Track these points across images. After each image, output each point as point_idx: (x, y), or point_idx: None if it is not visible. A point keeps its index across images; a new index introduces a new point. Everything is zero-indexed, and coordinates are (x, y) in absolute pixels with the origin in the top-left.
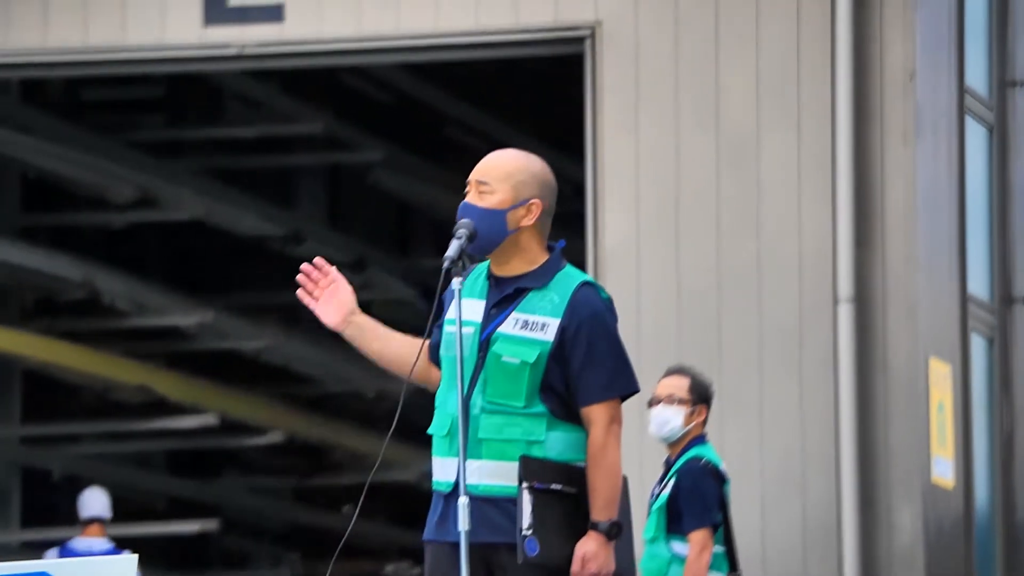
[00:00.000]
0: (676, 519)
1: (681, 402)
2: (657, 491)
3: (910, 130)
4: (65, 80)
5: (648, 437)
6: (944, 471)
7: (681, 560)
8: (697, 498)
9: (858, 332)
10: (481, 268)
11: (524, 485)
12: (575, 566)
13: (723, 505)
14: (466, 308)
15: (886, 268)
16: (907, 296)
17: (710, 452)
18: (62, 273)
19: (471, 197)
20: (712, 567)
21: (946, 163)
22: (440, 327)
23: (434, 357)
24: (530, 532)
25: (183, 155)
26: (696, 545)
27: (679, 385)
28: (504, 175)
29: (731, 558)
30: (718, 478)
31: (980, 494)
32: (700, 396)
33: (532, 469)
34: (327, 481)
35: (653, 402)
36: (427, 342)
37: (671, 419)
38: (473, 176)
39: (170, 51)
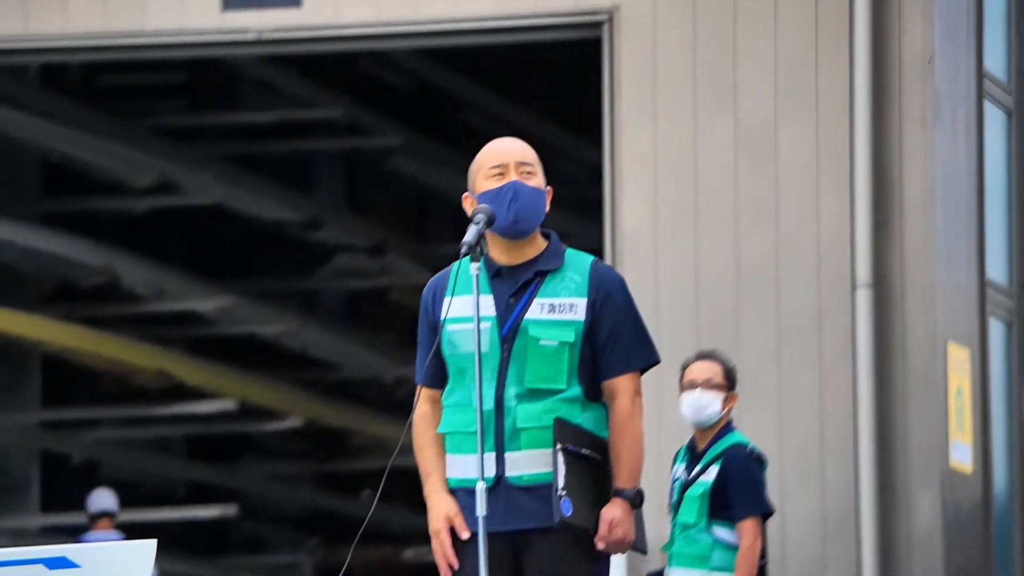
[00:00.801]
0: (721, 506)
1: (718, 387)
2: (688, 477)
3: (928, 115)
4: (85, 65)
5: (669, 415)
6: (962, 456)
7: (724, 546)
8: (749, 486)
9: (876, 318)
10: (465, 265)
11: (558, 446)
12: (602, 530)
13: None
14: (467, 305)
15: (904, 253)
16: (925, 281)
17: (745, 438)
18: (82, 258)
19: (520, 178)
20: None
21: (964, 148)
22: (435, 353)
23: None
24: (564, 492)
25: (202, 140)
26: (750, 534)
27: (715, 370)
28: (535, 158)
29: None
30: (760, 464)
31: (998, 479)
32: (732, 382)
33: (566, 432)
34: (346, 466)
35: (689, 386)
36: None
37: (710, 404)
38: (509, 158)
39: (189, 36)
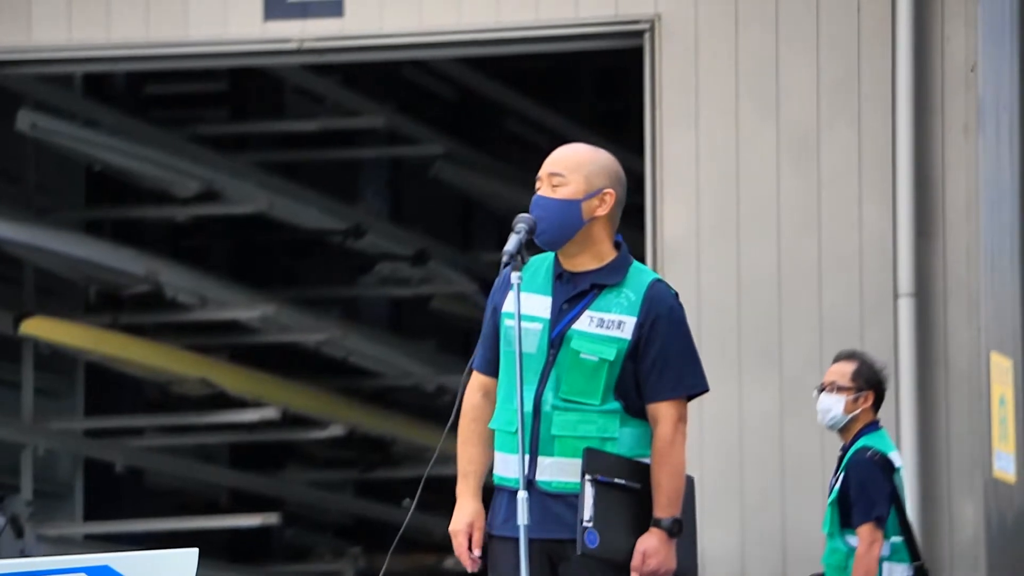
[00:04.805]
0: (848, 513)
1: (841, 389)
2: (832, 483)
3: (972, 122)
4: (128, 75)
5: (708, 437)
6: (1006, 465)
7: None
8: (863, 492)
9: (919, 326)
10: (538, 262)
11: (587, 478)
12: (635, 561)
13: (895, 495)
14: (528, 303)
15: (947, 262)
16: (968, 290)
17: (879, 440)
18: (126, 267)
19: (544, 190)
20: (893, 558)
21: (1008, 156)
22: (493, 340)
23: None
24: (590, 524)
25: (246, 149)
26: (864, 539)
27: (842, 371)
28: (576, 165)
29: (911, 548)
30: (887, 468)
31: None
32: (866, 381)
33: (596, 462)
34: (389, 474)
35: (819, 389)
36: (473, 364)
37: (832, 407)
38: (544, 170)
39: (231, 46)
